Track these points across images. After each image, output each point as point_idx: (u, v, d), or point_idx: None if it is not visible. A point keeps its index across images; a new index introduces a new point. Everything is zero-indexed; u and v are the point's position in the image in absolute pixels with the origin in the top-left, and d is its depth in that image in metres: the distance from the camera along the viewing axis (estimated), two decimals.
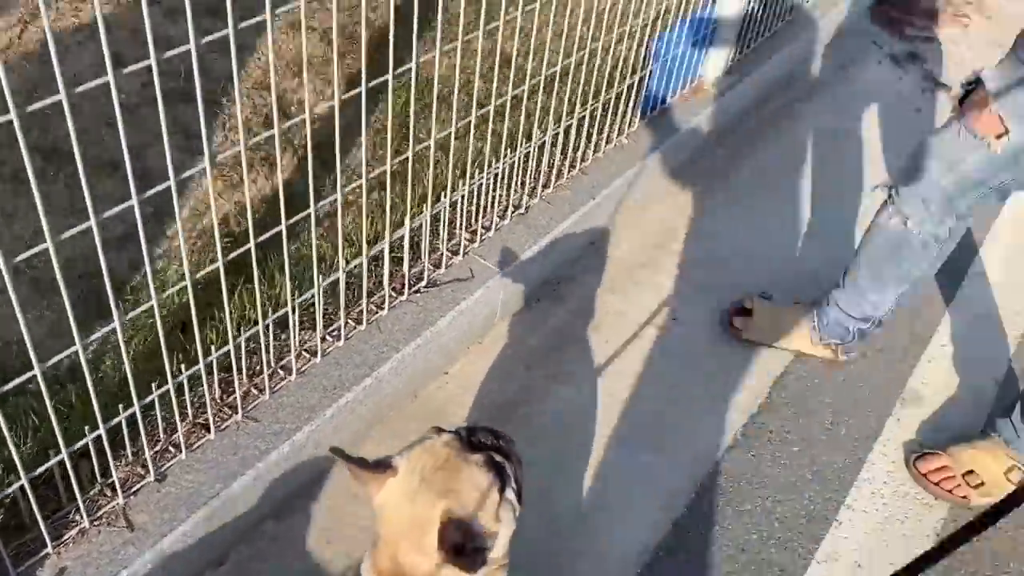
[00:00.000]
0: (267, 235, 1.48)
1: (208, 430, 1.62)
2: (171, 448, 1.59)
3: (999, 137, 1.66)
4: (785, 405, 2.06)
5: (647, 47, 2.51)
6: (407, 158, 1.75)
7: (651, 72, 2.53)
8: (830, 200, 2.69)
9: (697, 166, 2.75)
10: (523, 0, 1.83)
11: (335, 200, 1.59)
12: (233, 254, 1.43)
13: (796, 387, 2.10)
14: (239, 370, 1.67)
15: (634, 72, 2.44)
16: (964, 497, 1.87)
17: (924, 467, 1.91)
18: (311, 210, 1.55)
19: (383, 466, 1.06)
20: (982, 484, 1.86)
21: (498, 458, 1.08)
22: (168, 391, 1.48)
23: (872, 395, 2.10)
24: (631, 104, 2.48)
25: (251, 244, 1.45)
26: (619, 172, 2.44)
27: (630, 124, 2.53)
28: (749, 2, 2.73)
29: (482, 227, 2.15)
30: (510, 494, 1.07)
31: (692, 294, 2.32)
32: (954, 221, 1.86)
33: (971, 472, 1.87)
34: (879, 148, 2.95)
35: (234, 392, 1.66)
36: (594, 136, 2.41)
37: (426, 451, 1.07)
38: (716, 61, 2.78)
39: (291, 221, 1.50)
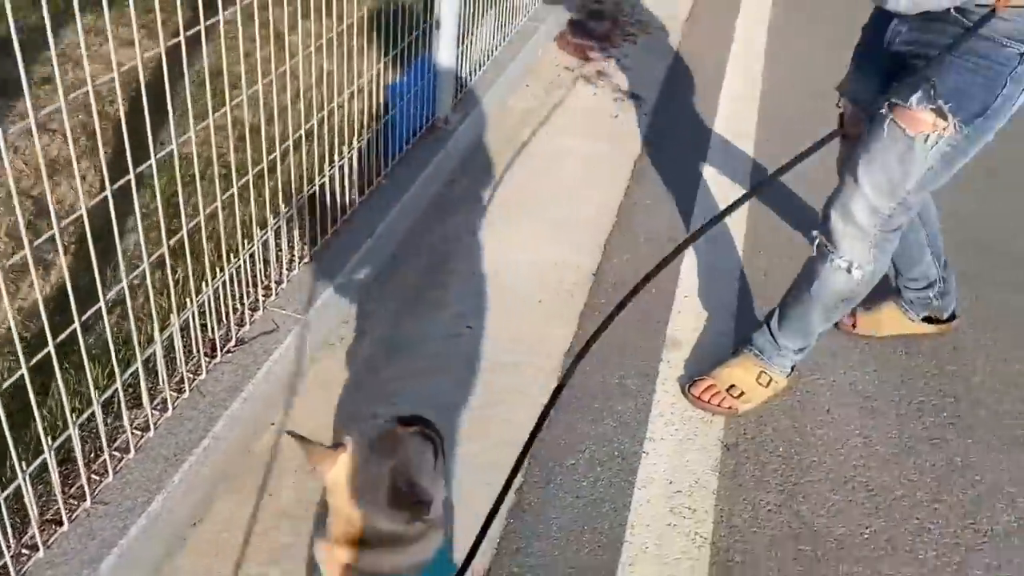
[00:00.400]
0: (88, 315, 1.53)
1: (60, 523, 1.61)
2: (25, 551, 1.56)
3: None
4: (577, 372, 2.36)
5: (383, 97, 2.77)
6: (197, 227, 1.85)
7: (392, 117, 2.79)
8: (567, 203, 3.09)
9: (452, 193, 3.04)
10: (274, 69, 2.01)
11: (135, 279, 1.67)
12: (62, 335, 1.47)
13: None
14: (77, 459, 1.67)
15: (377, 120, 2.68)
16: (731, 407, 2.27)
17: (696, 391, 2.29)
18: (124, 283, 1.61)
19: (334, 446, 1.21)
20: (743, 393, 2.27)
21: (429, 432, 1.27)
22: (16, 490, 1.47)
23: (642, 347, 2.47)
24: (380, 150, 2.71)
25: (76, 324, 1.50)
26: (387, 209, 2.66)
27: (385, 165, 2.77)
28: (459, 45, 3.09)
29: (274, 282, 2.27)
30: (441, 462, 1.26)
31: (478, 304, 2.58)
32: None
33: (732, 386, 2.28)
34: (594, 152, 3.42)
35: (76, 482, 1.66)
36: (356, 181, 2.61)
37: (371, 428, 1.24)
38: (444, 100, 3.10)
39: (108, 297, 1.55)
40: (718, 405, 2.26)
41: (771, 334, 2.27)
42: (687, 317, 2.60)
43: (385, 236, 2.64)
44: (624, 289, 2.64)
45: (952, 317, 2.59)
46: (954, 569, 1.94)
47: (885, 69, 2.00)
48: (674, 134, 3.63)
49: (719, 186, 3.22)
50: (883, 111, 1.91)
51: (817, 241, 2.10)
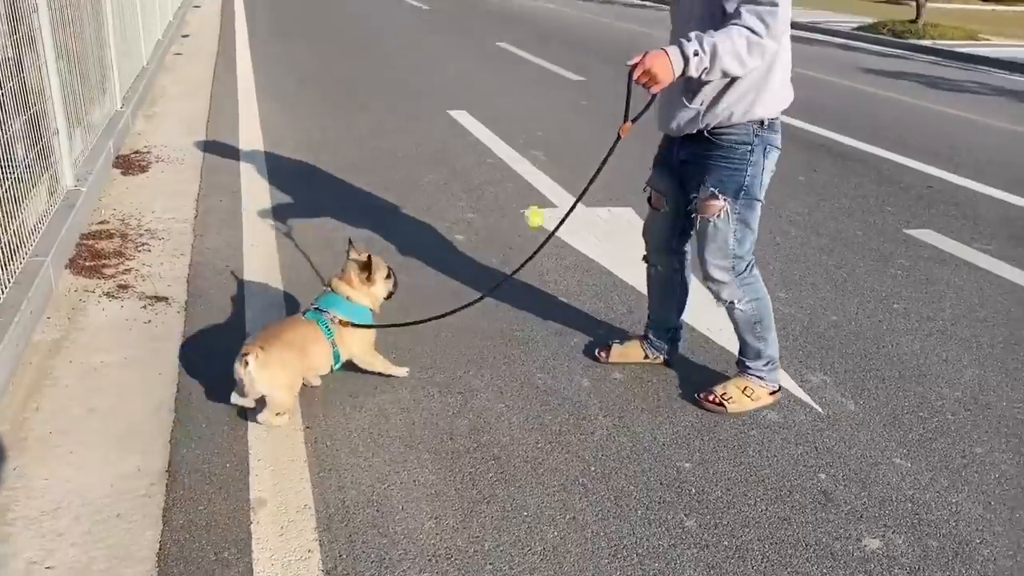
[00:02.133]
0: None
1: None
2: None
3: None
4: (173, 564, 2.46)
5: None
6: None
7: None
8: (119, 417, 3.15)
9: None
10: None
11: None
12: None
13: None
14: None
15: None
16: (722, 406, 3.34)
17: (700, 395, 3.39)
18: None
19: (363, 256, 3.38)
20: (732, 399, 3.37)
21: (375, 260, 3.34)
22: None
23: (229, 515, 2.64)
24: None
25: None
26: None
27: None
28: None
29: None
30: (391, 279, 3.43)
31: (52, 545, 2.53)
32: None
33: (725, 393, 3.37)
34: (134, 360, 3.53)
35: None
36: None
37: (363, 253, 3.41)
38: None
39: None
40: (714, 403, 3.31)
41: (743, 361, 3.35)
42: (264, 476, 2.84)
43: None
44: (210, 473, 2.81)
45: (668, 362, 3.67)
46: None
47: (674, 169, 3.15)
48: (210, 321, 3.89)
49: None
50: (693, 214, 3.07)
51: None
